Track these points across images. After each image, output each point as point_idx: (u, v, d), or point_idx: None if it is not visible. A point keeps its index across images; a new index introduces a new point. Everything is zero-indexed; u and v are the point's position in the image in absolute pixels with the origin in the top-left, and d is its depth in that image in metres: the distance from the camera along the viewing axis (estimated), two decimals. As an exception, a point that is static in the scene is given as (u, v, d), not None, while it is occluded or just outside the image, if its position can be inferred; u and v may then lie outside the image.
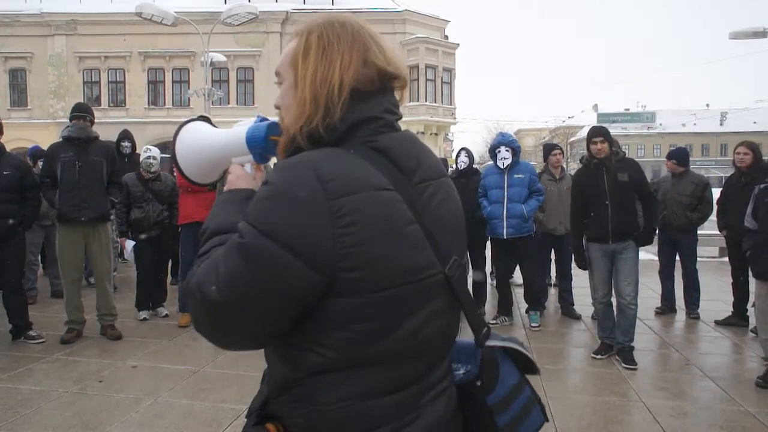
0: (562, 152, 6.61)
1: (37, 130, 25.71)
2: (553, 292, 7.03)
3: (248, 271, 0.91)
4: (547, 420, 1.21)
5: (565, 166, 6.90)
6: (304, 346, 0.97)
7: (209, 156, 1.27)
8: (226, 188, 1.18)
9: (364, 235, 0.93)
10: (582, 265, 4.87)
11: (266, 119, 1.21)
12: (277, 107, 1.14)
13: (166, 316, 5.92)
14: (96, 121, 5.39)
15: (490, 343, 1.16)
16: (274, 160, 1.20)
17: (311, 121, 1.02)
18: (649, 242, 4.74)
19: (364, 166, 0.98)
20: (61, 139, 5.14)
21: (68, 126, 5.14)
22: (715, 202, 6.08)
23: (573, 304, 6.23)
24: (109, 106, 27.89)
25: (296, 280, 0.92)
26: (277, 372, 1.03)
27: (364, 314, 0.95)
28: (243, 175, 1.19)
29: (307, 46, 1.06)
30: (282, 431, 1.01)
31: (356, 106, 1.04)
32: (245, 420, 1.10)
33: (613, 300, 4.77)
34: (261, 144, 1.18)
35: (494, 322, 5.81)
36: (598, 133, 4.71)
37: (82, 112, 5.17)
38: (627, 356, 4.57)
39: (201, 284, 0.94)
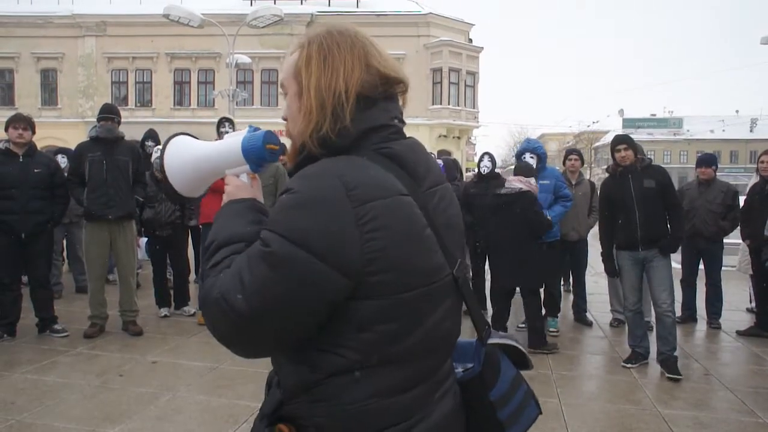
0: (580, 158, 6.53)
1: (66, 128, 26.28)
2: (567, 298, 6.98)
3: (276, 278, 0.93)
4: (541, 413, 1.26)
5: (586, 171, 6.84)
6: (324, 348, 1.00)
7: (200, 169, 1.25)
8: (226, 199, 1.17)
9: (389, 240, 0.97)
10: (611, 273, 4.81)
11: (258, 129, 1.21)
12: (284, 119, 1.17)
13: (194, 314, 5.98)
14: (123, 120, 5.53)
15: (491, 340, 1.22)
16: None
17: (320, 128, 1.05)
18: (673, 251, 4.66)
19: (382, 172, 1.02)
20: (88, 139, 5.29)
21: (96, 126, 5.28)
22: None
23: (586, 311, 6.18)
24: (135, 106, 28.37)
25: (325, 285, 0.94)
26: (293, 375, 1.04)
27: (387, 315, 0.99)
28: (242, 185, 1.19)
29: (308, 55, 1.09)
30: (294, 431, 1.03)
31: (364, 112, 1.08)
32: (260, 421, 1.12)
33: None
34: (258, 153, 1.17)
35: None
36: (621, 140, 4.71)
37: (109, 113, 5.31)
38: (671, 366, 4.42)
39: (225, 294, 0.95)
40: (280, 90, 1.20)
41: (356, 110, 1.06)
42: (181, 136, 1.29)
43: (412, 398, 1.04)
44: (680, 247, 6.19)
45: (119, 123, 5.36)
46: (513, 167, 5.87)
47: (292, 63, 1.13)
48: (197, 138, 1.33)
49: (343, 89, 1.06)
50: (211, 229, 1.12)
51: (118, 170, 5.16)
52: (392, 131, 1.11)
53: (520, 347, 1.27)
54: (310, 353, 1.00)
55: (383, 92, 1.11)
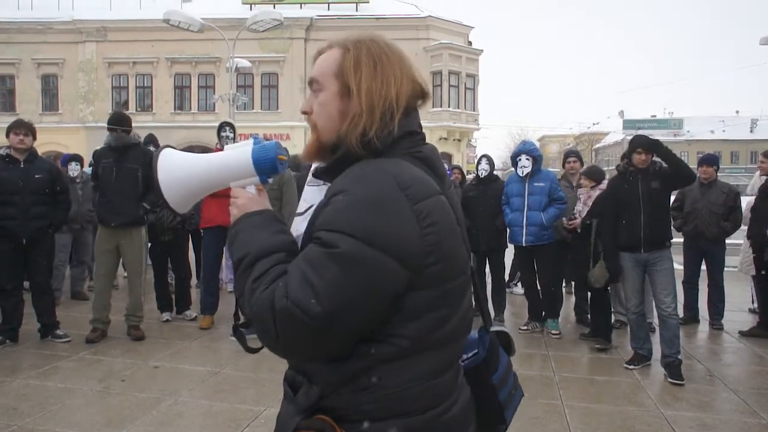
0: (579, 160, 6.54)
1: (67, 134, 26.26)
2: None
3: (348, 278, 0.97)
4: (524, 395, 1.40)
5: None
6: (376, 338, 1.04)
7: (199, 184, 1.23)
8: (239, 212, 1.18)
9: (441, 234, 1.05)
10: (616, 272, 4.76)
11: (261, 141, 1.21)
12: (306, 112, 1.20)
13: (195, 318, 5.99)
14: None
15: (493, 328, 1.34)
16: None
17: (366, 132, 1.10)
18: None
19: (423, 173, 1.09)
20: (105, 145, 5.35)
21: (109, 135, 5.32)
22: (747, 210, 5.99)
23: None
24: (136, 110, 28.27)
25: (394, 280, 1.00)
26: (336, 368, 1.06)
27: (436, 303, 1.07)
28: (253, 198, 1.21)
29: (357, 59, 1.13)
30: (332, 422, 1.05)
31: (404, 120, 1.14)
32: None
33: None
34: (272, 164, 1.18)
35: (525, 328, 5.81)
36: (643, 144, 4.61)
37: (115, 125, 5.28)
38: (674, 371, 4.37)
39: (296, 301, 0.96)
40: (299, 85, 1.21)
41: (401, 118, 1.13)
42: (169, 150, 1.27)
43: (445, 381, 1.11)
44: (682, 248, 6.23)
45: (128, 132, 5.32)
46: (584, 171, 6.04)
47: (333, 62, 1.16)
48: (175, 148, 1.31)
49: (395, 99, 1.12)
50: (236, 243, 1.13)
51: (125, 178, 5.17)
52: (420, 137, 1.19)
53: (509, 333, 1.41)
54: (361, 345, 1.04)
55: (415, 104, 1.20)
